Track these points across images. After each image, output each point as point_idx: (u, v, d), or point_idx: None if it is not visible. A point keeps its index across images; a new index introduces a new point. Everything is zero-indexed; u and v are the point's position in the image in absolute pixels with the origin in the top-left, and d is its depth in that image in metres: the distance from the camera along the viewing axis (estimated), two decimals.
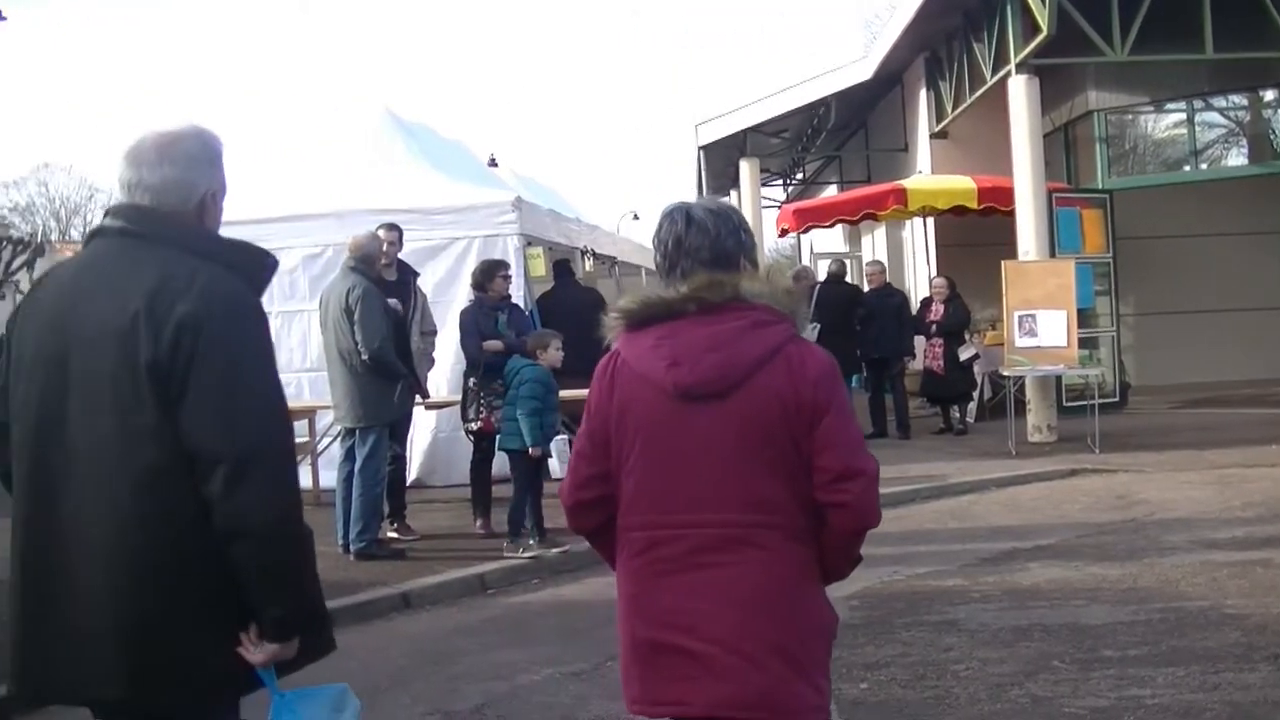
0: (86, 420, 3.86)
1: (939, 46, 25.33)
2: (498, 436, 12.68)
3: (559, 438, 12.10)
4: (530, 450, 12.10)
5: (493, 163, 27.58)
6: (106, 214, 4.10)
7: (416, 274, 13.95)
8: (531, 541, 12.29)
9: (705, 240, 4.19)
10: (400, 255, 13.58)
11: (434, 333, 14.10)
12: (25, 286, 55.66)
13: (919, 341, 21.15)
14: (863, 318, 20.30)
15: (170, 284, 3.84)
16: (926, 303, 21.16)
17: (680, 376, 4.07)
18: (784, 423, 4.02)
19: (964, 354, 20.54)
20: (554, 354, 12.37)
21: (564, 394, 12.39)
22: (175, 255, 3.93)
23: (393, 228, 13.42)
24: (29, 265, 54.60)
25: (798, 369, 4.05)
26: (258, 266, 4.20)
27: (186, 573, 3.81)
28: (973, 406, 21.88)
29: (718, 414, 4.05)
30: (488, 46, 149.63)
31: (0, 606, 4.14)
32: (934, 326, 20.59)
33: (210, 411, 3.75)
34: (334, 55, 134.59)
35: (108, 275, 3.95)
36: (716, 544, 4.05)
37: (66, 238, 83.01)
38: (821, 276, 21.34)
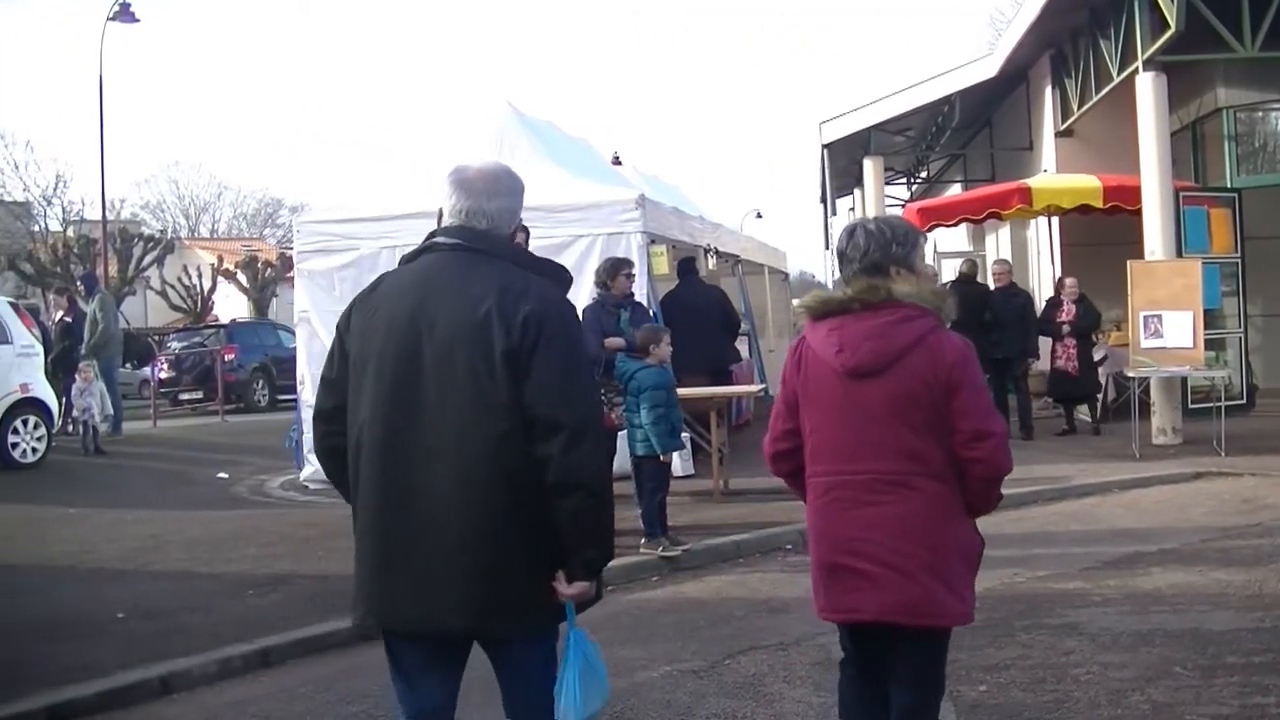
0: (441, 397, 4.81)
1: (1064, 43, 25.11)
2: (626, 441, 12.75)
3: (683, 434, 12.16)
4: (662, 456, 12.18)
5: (616, 160, 27.68)
6: (439, 234, 5.13)
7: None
8: (666, 540, 12.37)
9: (858, 254, 5.52)
10: None
11: None
12: (155, 283, 56.58)
13: (1043, 341, 20.99)
14: (988, 319, 20.18)
15: (511, 289, 4.86)
16: (1054, 302, 21.00)
17: (845, 360, 5.41)
18: (927, 394, 5.29)
19: (1095, 354, 20.37)
20: (664, 349, 12.43)
21: (686, 392, 12.43)
22: (508, 268, 5.00)
23: (521, 228, 13.50)
24: (159, 261, 55.47)
25: (937, 354, 5.32)
26: (564, 278, 5.27)
27: (524, 523, 4.75)
28: (1096, 408, 21.70)
29: (876, 388, 5.36)
30: (613, 44, 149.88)
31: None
32: (1066, 327, 20.43)
33: (552, 389, 4.72)
34: (459, 53, 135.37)
35: (454, 281, 4.95)
36: (878, 487, 5.36)
37: (195, 234, 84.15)
38: (952, 275, 21.23)
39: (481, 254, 5.02)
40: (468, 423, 4.77)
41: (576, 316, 5.13)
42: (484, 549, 4.74)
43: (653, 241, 17.10)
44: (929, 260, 34.21)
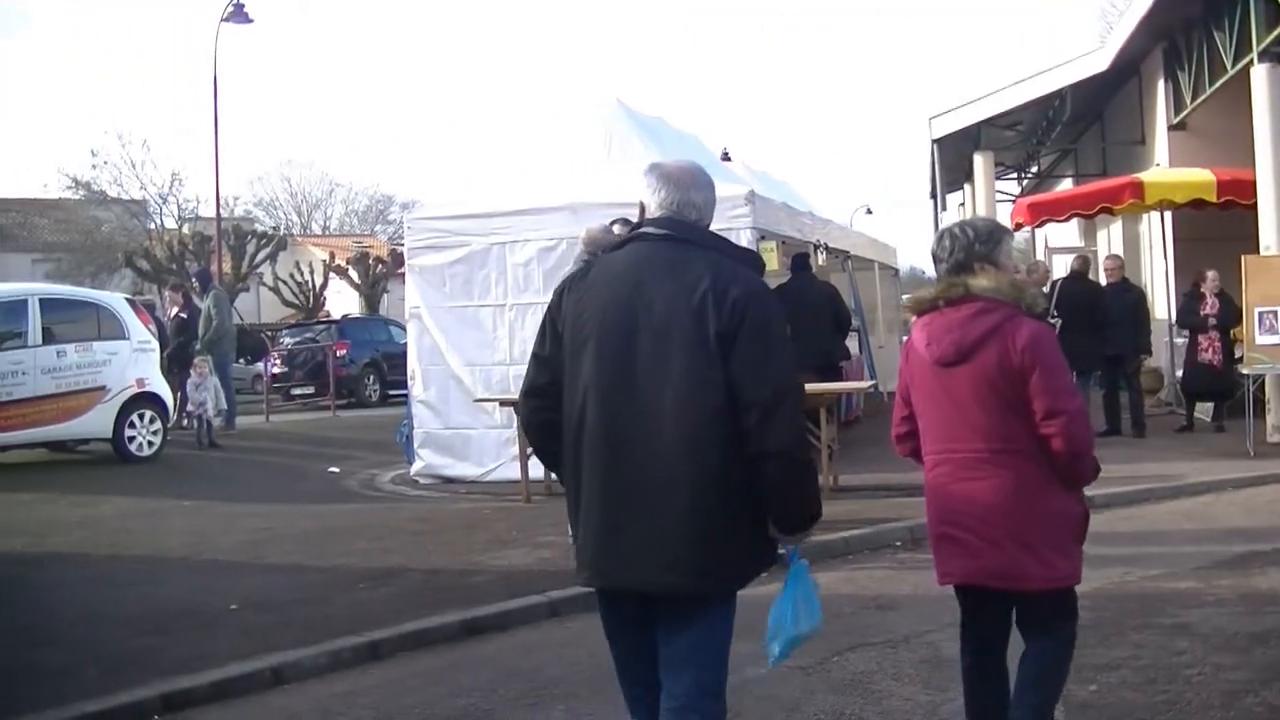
0: (659, 373, 5.24)
1: (1177, 35, 24.82)
2: None
3: None
4: None
5: (726, 156, 27.66)
6: (646, 224, 5.55)
7: None
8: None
9: (945, 254, 6.19)
10: None
11: None
12: (268, 279, 57.12)
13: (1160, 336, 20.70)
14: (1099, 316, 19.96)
15: (721, 275, 5.28)
16: (1195, 295, 20.63)
17: (933, 351, 6.12)
18: (1004, 379, 5.90)
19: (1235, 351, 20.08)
20: None
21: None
22: (716, 255, 5.43)
23: (625, 223, 13.53)
24: (272, 258, 56.00)
25: (1010, 341, 5.90)
26: (760, 264, 5.66)
27: (735, 489, 5.19)
28: (1209, 406, 21.41)
29: (961, 375, 6.02)
30: (721, 40, 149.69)
31: None
32: (1211, 319, 20.12)
33: (754, 367, 5.13)
34: (569, 50, 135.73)
35: (668, 267, 5.37)
36: (972, 464, 6.02)
37: (307, 231, 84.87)
38: (1063, 271, 21.03)
39: (690, 243, 5.45)
40: (683, 397, 5.21)
41: (776, 301, 5.52)
42: (699, 513, 5.17)
43: (762, 237, 17.06)
44: (1039, 256, 33.96)
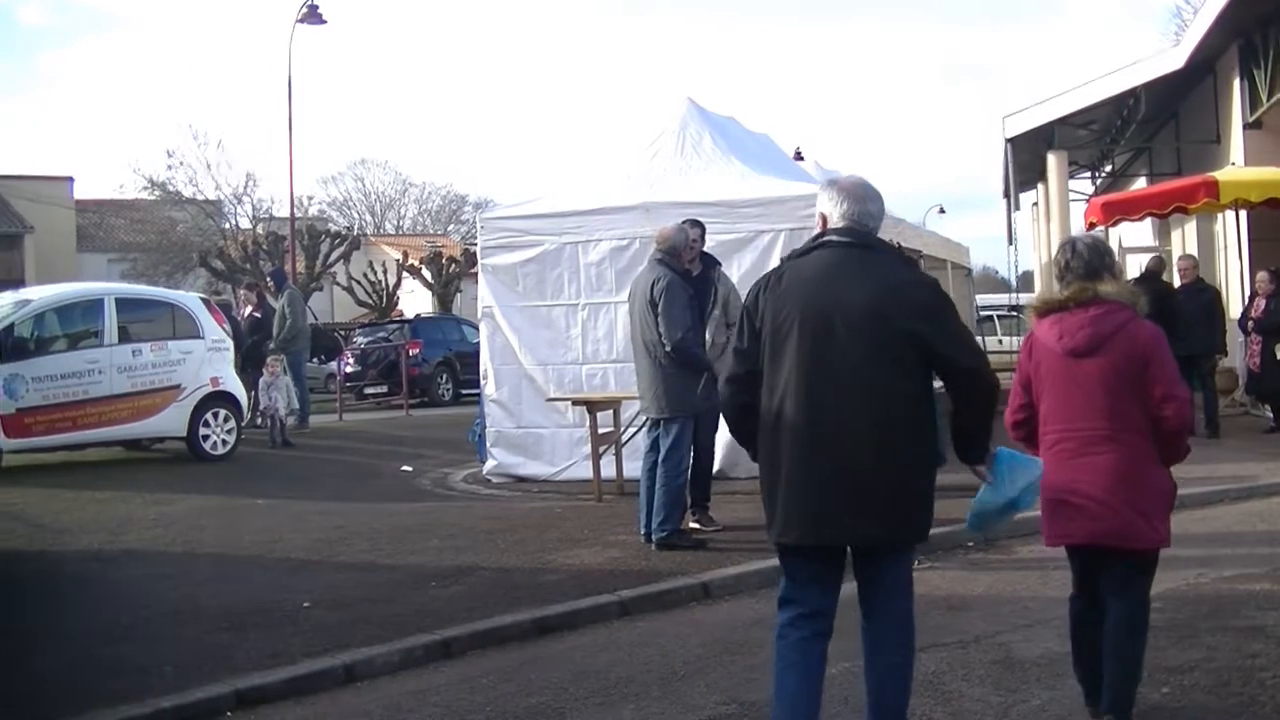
0: (853, 361, 6.36)
1: (1253, 33, 24.62)
2: None
3: None
4: None
5: (798, 155, 27.63)
6: (831, 232, 6.64)
7: (718, 263, 14.00)
8: None
9: (1080, 264, 7.23)
10: (705, 248, 13.67)
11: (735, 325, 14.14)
12: (342, 279, 57.38)
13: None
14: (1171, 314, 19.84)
15: (900, 275, 6.61)
16: (1252, 295, 20.58)
17: (1066, 344, 7.13)
18: (1128, 367, 6.97)
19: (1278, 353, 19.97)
20: None
21: None
22: (894, 260, 6.81)
23: (695, 224, 13.52)
24: (345, 258, 56.26)
25: (1135, 337, 7.02)
26: (917, 264, 6.94)
27: (919, 457, 6.48)
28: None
29: (1090, 365, 7.06)
30: (792, 39, 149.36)
31: None
32: (1250, 323, 20.06)
33: (955, 344, 6.47)
34: (641, 49, 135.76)
35: (855, 270, 6.50)
36: (1095, 441, 7.05)
37: (381, 231, 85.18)
38: (1137, 271, 20.92)
39: (870, 248, 6.62)
40: (875, 380, 6.36)
41: (943, 290, 6.70)
42: (893, 478, 6.36)
43: None
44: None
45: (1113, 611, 7.11)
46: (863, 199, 6.64)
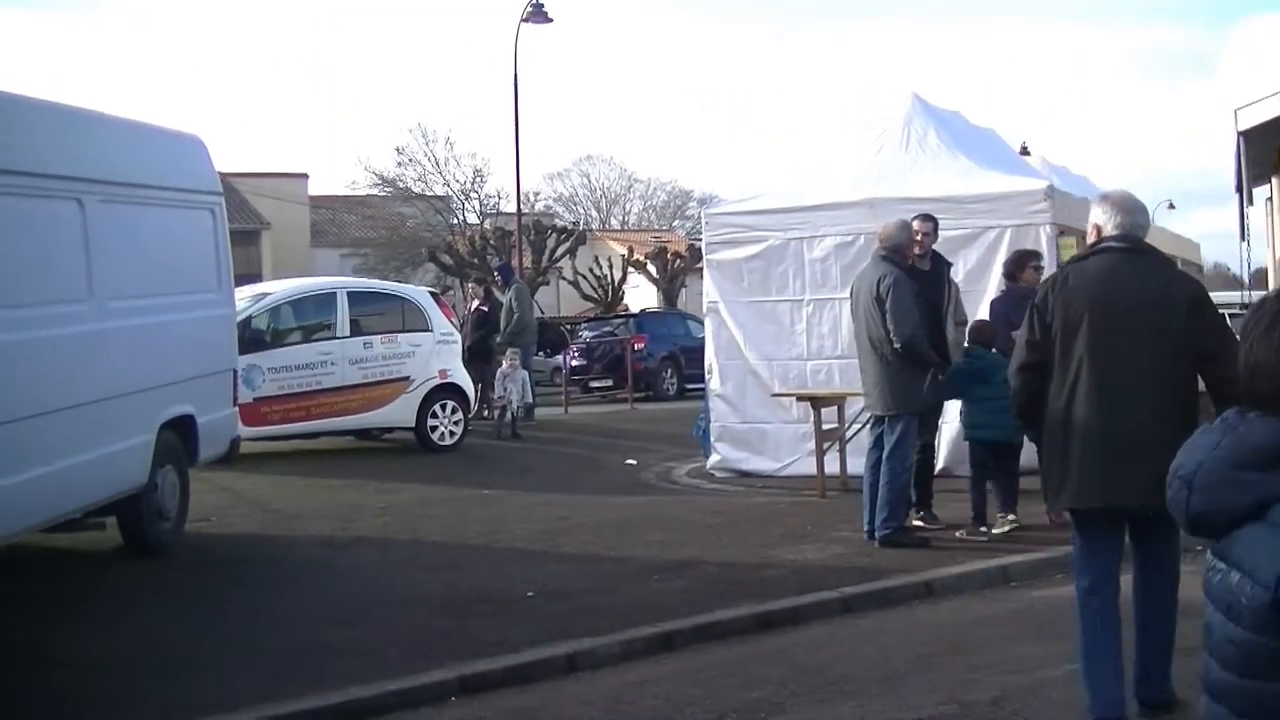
0: (1137, 349, 7.38)
1: None
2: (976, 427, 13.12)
3: None
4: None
5: (1024, 151, 27.25)
6: (1109, 239, 7.63)
7: (950, 264, 13.91)
8: (984, 528, 12.90)
9: None
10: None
11: (965, 323, 14.00)
12: (568, 273, 57.87)
13: None
14: None
15: (1172, 278, 7.71)
16: None
17: None
18: None
19: None
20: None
21: None
22: (1164, 263, 7.85)
23: (928, 218, 13.40)
24: (571, 253, 56.70)
25: None
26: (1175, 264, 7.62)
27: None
28: None
29: None
30: (1016, 33, 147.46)
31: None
32: None
33: (1219, 336, 7.34)
34: (863, 43, 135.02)
35: (1135, 273, 7.53)
36: None
37: (606, 226, 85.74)
38: None
39: (1144, 254, 7.66)
40: (1156, 365, 7.40)
41: (1206, 289, 7.73)
42: (1170, 452, 6.05)
43: (1061, 233, 16.74)
44: None
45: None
46: (1132, 211, 7.71)
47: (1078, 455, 7.53)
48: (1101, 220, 7.74)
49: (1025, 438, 12.17)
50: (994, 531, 12.84)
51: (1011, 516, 12.99)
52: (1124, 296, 7.47)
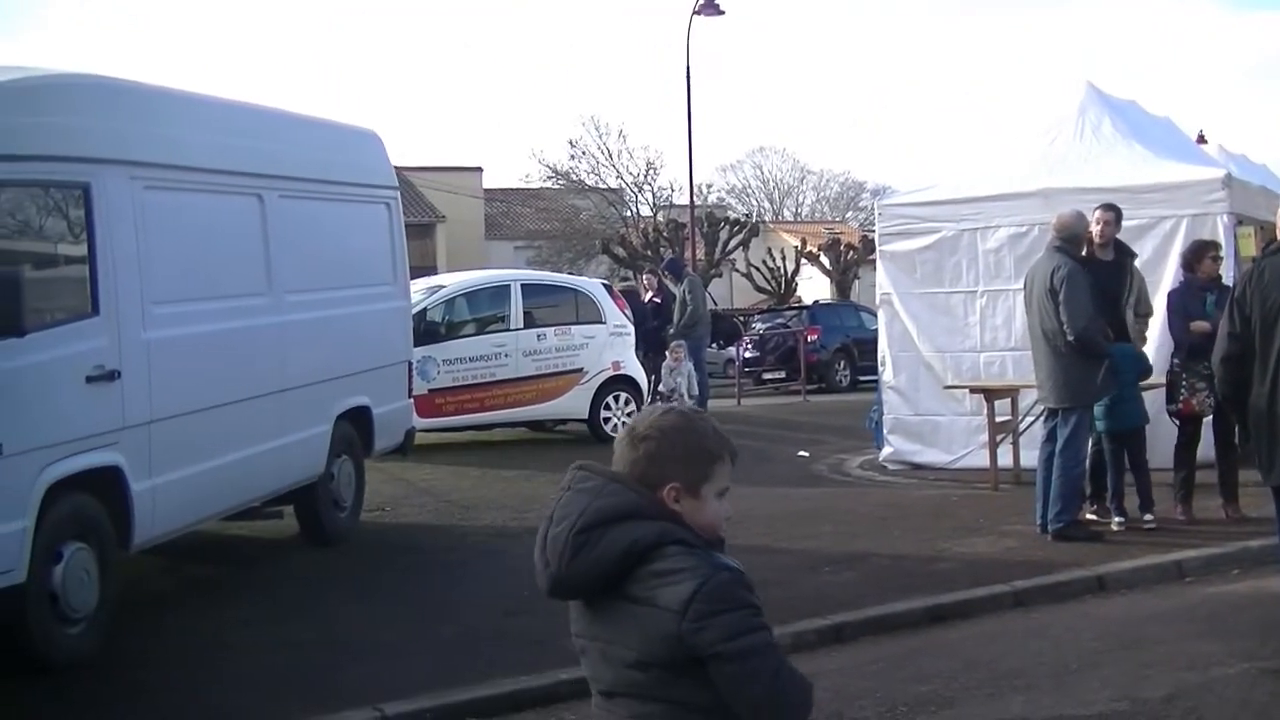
0: None
1: None
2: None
3: None
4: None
5: (1201, 139, 26.85)
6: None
7: (1134, 254, 13.77)
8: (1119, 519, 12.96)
9: None
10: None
11: (1149, 315, 13.86)
12: (741, 265, 57.93)
13: None
14: None
15: None
16: None
17: None
18: None
19: None
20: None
21: None
22: None
23: (1110, 208, 13.29)
24: (744, 244, 56.73)
25: None
26: None
27: None
28: None
29: None
30: (1194, 20, 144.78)
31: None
32: None
33: None
34: (1037, 31, 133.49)
35: None
36: None
37: (779, 218, 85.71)
38: None
39: None
40: None
41: None
42: None
43: (1240, 223, 16.49)
44: None
45: None
46: None
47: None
48: None
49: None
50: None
51: (1149, 517, 12.89)
52: None
